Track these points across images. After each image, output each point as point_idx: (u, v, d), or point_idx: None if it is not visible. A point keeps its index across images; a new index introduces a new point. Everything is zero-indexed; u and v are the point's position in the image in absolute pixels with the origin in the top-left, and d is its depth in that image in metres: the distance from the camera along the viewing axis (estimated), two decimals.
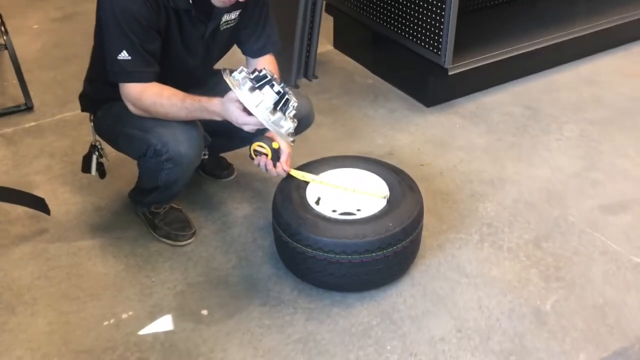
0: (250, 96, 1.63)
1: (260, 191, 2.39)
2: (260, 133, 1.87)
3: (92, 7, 1.82)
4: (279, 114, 1.66)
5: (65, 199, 2.35)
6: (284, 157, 1.94)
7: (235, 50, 2.14)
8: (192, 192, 2.36)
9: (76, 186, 2.42)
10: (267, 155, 1.92)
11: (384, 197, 1.94)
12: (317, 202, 1.97)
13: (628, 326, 1.81)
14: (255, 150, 1.93)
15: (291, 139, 1.77)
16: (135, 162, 2.00)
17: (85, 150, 2.18)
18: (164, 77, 1.85)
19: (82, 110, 2.14)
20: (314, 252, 1.80)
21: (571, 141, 2.70)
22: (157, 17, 1.77)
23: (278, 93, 1.65)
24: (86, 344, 1.77)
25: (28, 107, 2.96)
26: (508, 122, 2.83)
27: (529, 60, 3.12)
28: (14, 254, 2.10)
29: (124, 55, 1.76)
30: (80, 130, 2.72)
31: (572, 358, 1.72)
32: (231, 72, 1.68)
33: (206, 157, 2.13)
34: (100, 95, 2.02)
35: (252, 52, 2.09)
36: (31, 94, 3.00)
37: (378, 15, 3.09)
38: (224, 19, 1.93)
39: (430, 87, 2.97)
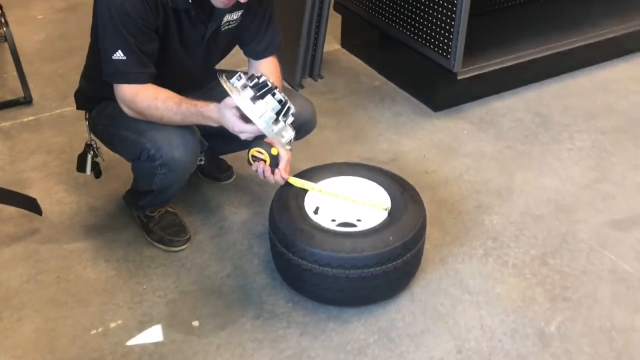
0: (253, 106, 1.56)
1: (259, 195, 2.32)
2: (260, 138, 1.81)
3: None
4: (281, 124, 1.61)
5: (59, 198, 2.30)
6: (282, 164, 1.87)
7: (234, 50, 2.07)
8: (190, 195, 2.29)
9: (72, 185, 2.36)
10: (265, 161, 1.85)
11: (385, 209, 1.86)
12: (316, 212, 1.90)
13: (636, 352, 1.73)
14: (253, 156, 1.86)
15: (289, 147, 1.70)
16: None
17: (82, 148, 2.12)
18: (161, 79, 1.79)
19: (77, 109, 2.08)
20: (310, 265, 1.73)
21: (582, 151, 2.61)
22: (155, 17, 1.70)
23: (280, 102, 1.59)
24: (72, 353, 1.71)
25: (27, 101, 2.90)
26: (518, 129, 2.75)
27: (542, 65, 3.03)
28: (4, 254, 2.04)
29: (118, 55, 1.69)
30: (79, 126, 2.66)
31: None
32: (227, 76, 1.61)
33: (202, 162, 2.07)
34: (95, 94, 1.96)
35: (255, 54, 2.02)
36: (31, 86, 2.94)
37: (387, 15, 3.00)
38: (225, 20, 1.86)
39: (439, 91, 2.88)
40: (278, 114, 1.59)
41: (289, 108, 1.60)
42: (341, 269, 1.71)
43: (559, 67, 3.14)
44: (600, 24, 3.23)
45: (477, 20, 2.82)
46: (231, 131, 1.64)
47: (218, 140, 2.00)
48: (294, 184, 1.92)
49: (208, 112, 1.67)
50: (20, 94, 2.91)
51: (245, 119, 1.60)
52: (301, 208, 1.85)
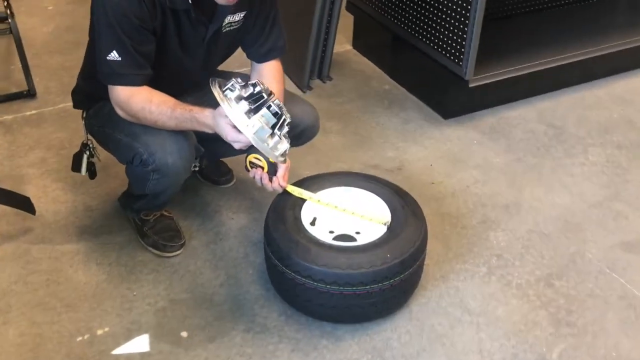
0: (247, 121, 1.51)
1: (259, 201, 2.26)
2: None
3: None
4: (276, 138, 1.55)
5: (55, 196, 2.26)
6: (281, 172, 1.81)
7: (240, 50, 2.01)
8: (187, 198, 2.24)
9: (68, 183, 2.32)
10: (263, 168, 1.79)
11: (384, 224, 1.79)
12: (313, 223, 1.84)
13: None
14: (251, 162, 1.80)
15: (282, 158, 1.65)
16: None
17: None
18: (159, 80, 1.73)
19: (74, 107, 2.03)
20: (303, 279, 1.67)
21: (596, 166, 2.51)
22: (152, 17, 1.65)
23: (275, 114, 1.53)
24: None
25: (31, 94, 2.86)
26: (530, 141, 2.66)
27: (557, 74, 2.93)
28: None
29: (113, 55, 1.64)
30: (80, 122, 2.56)
31: None
32: (221, 83, 1.54)
33: (196, 168, 2.01)
34: (92, 93, 1.91)
35: (257, 57, 1.95)
36: (36, 80, 2.91)
37: (399, 17, 2.92)
38: (227, 21, 1.80)
39: (450, 98, 2.80)
40: (273, 127, 1.53)
41: (284, 120, 1.54)
42: (335, 286, 1.64)
43: (575, 77, 3.04)
44: (620, 32, 3.13)
45: (491, 26, 2.73)
46: (225, 139, 1.58)
47: (217, 143, 1.94)
48: (292, 192, 1.85)
49: (202, 118, 1.61)
50: (24, 86, 2.87)
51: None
52: (298, 219, 1.79)
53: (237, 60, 2.05)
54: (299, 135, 2.01)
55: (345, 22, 3.26)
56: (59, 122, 2.69)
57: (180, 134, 1.72)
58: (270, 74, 1.93)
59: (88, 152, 2.03)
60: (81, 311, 1.81)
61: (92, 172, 2.07)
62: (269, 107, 1.51)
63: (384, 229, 1.78)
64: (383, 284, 1.66)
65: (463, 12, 2.50)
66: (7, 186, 2.18)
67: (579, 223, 2.21)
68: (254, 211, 2.22)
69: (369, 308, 1.71)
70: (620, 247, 2.10)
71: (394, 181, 2.00)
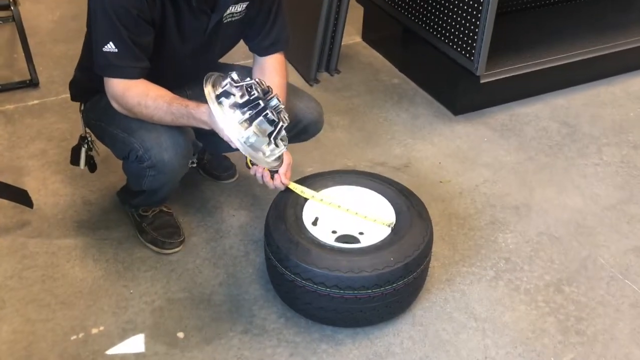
0: (242, 132, 1.45)
1: (261, 198, 2.20)
2: None
3: None
4: (272, 145, 1.50)
5: (54, 189, 2.21)
6: (283, 169, 1.74)
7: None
8: (188, 194, 2.19)
9: (68, 176, 2.27)
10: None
11: (389, 225, 1.73)
12: (315, 222, 1.78)
13: None
14: (251, 160, 1.74)
15: (277, 163, 1.60)
16: None
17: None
18: (158, 72, 1.67)
19: (72, 99, 1.98)
20: (303, 282, 1.61)
21: (610, 167, 2.43)
22: (151, 7, 1.59)
23: (272, 122, 1.46)
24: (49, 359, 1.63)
25: (33, 84, 2.82)
26: (542, 140, 2.58)
27: (572, 70, 2.84)
28: None
29: (110, 47, 1.58)
30: None
31: None
32: (216, 82, 1.48)
33: (194, 164, 1.95)
34: (89, 86, 1.85)
35: (260, 50, 1.89)
36: (40, 69, 2.87)
37: (410, 10, 2.84)
38: (228, 11, 1.73)
39: (460, 93, 2.72)
40: (269, 135, 1.47)
41: (281, 127, 1.48)
42: (336, 289, 1.59)
43: (590, 74, 2.95)
44: (638, 28, 3.02)
45: (504, 19, 2.65)
46: (221, 136, 1.52)
47: (216, 139, 1.88)
48: (294, 190, 1.80)
49: (198, 114, 1.55)
50: (27, 76, 2.83)
51: None
52: (299, 218, 1.73)
53: (242, 51, 1.99)
54: (302, 131, 1.95)
55: (355, 14, 3.19)
56: (61, 112, 2.64)
57: (176, 129, 1.67)
58: (272, 68, 1.87)
59: (86, 146, 1.98)
60: (76, 309, 1.77)
61: (91, 166, 2.03)
62: (265, 115, 1.44)
63: (388, 231, 1.72)
64: (386, 288, 1.61)
65: (475, 5, 2.42)
66: (6, 178, 2.14)
67: (591, 226, 2.13)
68: (255, 209, 2.17)
69: (370, 312, 1.66)
70: (634, 252, 2.03)
71: (401, 179, 1.94)
